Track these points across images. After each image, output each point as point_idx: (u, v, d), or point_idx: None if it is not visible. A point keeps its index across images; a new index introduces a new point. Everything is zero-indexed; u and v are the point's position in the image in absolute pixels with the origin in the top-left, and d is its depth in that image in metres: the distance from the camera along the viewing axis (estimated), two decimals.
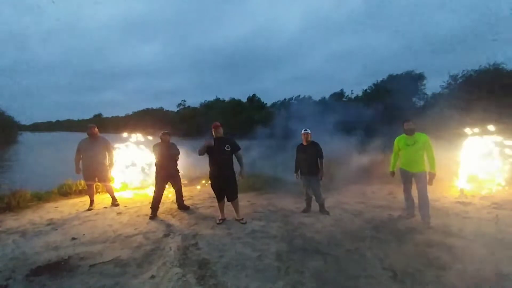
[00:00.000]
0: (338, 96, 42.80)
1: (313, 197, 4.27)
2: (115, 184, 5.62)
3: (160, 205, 4.38)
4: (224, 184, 3.82)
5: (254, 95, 56.51)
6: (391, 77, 36.09)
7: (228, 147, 3.77)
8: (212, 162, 3.79)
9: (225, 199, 3.94)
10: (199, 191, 6.01)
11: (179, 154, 4.61)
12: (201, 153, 3.74)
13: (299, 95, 49.19)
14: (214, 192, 3.94)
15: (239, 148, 3.88)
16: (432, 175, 3.59)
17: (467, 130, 5.97)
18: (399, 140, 3.85)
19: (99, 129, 4.97)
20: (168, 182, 4.52)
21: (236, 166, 3.92)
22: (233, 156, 3.87)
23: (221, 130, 3.85)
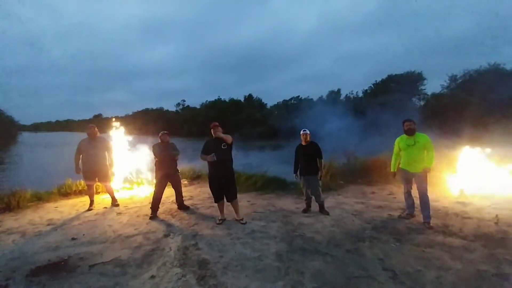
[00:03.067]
0: (335, 94, 42.93)
1: (313, 197, 4.27)
2: (115, 184, 5.60)
3: (160, 205, 4.38)
4: (223, 184, 3.82)
5: (250, 94, 56.75)
6: (391, 77, 36.17)
7: (224, 145, 3.77)
8: (211, 163, 3.79)
9: (224, 199, 3.93)
10: (199, 191, 6.01)
11: (178, 154, 4.61)
12: (203, 159, 3.83)
13: (298, 96, 49.38)
14: (212, 192, 3.93)
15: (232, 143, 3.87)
16: (427, 170, 3.59)
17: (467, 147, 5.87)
18: (400, 141, 3.85)
19: (99, 129, 4.98)
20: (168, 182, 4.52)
21: (236, 166, 3.93)
22: (231, 153, 3.87)
23: (220, 130, 3.85)
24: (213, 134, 3.84)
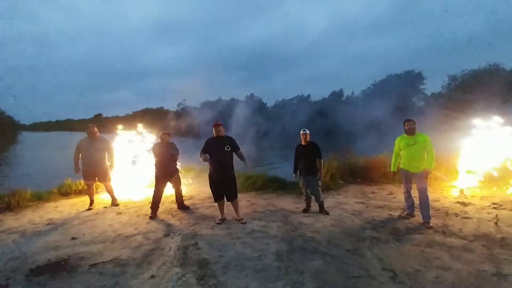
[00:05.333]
0: (338, 95, 43.05)
1: (313, 197, 4.27)
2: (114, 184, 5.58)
3: (160, 205, 4.38)
4: (223, 184, 3.82)
5: (252, 94, 56.80)
6: (390, 77, 36.15)
7: (228, 147, 3.77)
8: (211, 162, 3.79)
9: (224, 198, 3.93)
10: (199, 191, 6.01)
11: (178, 153, 4.60)
12: (202, 158, 3.82)
13: (297, 95, 49.45)
14: (212, 192, 3.93)
15: (238, 148, 3.89)
16: (427, 172, 3.59)
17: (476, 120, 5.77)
18: (400, 140, 3.85)
19: (99, 128, 4.97)
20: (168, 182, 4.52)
21: (237, 166, 3.93)
22: (233, 155, 3.88)
23: (221, 129, 3.84)
24: (215, 133, 3.83)
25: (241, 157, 3.91)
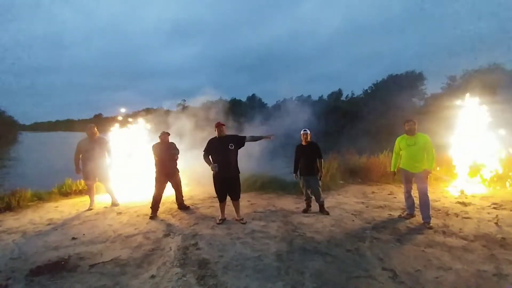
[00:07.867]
0: (337, 95, 43.17)
1: (313, 197, 4.27)
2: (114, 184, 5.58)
3: (160, 205, 4.38)
4: (228, 184, 3.81)
5: (253, 94, 56.94)
6: (391, 77, 36.20)
7: (231, 145, 3.75)
8: (215, 162, 3.77)
9: (227, 199, 3.92)
10: (199, 191, 6.01)
11: (178, 153, 4.60)
12: (206, 162, 3.86)
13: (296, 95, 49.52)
14: (216, 192, 3.92)
15: (244, 137, 3.89)
16: (427, 172, 3.60)
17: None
18: (400, 140, 3.85)
19: (99, 129, 4.97)
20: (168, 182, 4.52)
21: (240, 166, 3.93)
22: (237, 153, 3.88)
23: (224, 129, 3.82)
24: (218, 133, 3.80)
25: (256, 139, 3.93)
